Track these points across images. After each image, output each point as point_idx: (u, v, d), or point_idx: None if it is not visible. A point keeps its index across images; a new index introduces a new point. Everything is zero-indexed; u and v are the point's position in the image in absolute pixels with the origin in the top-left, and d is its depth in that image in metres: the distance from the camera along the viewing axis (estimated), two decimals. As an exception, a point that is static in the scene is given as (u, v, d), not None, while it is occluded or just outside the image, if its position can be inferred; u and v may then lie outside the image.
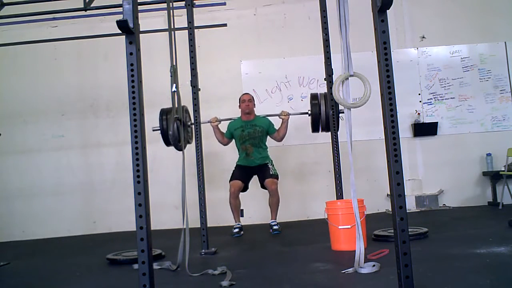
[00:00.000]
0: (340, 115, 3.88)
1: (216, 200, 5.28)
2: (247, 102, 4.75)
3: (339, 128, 3.99)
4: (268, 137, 4.86)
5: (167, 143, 3.52)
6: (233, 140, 4.87)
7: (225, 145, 4.86)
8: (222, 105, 5.57)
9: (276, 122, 4.81)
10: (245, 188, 4.80)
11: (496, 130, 5.83)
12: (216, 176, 5.26)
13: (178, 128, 3.24)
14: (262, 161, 4.78)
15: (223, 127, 4.81)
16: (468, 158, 5.83)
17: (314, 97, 3.96)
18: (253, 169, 4.80)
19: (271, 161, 4.84)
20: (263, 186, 4.80)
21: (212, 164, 5.33)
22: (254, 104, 4.86)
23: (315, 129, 4.00)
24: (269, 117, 4.81)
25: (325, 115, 3.87)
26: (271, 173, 4.73)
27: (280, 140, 4.83)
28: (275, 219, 4.79)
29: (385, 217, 5.18)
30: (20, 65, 6.07)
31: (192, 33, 3.97)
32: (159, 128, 3.57)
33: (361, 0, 3.15)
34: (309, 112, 3.99)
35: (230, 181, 4.76)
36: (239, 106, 4.83)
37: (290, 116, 4.63)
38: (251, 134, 4.75)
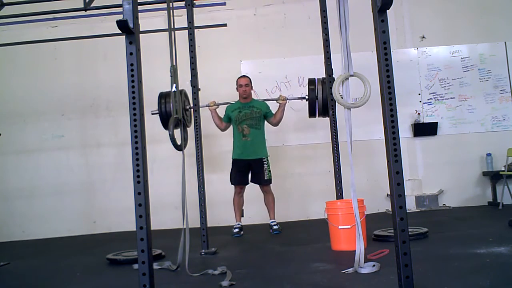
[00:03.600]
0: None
1: (216, 200, 5.29)
2: (244, 87, 4.71)
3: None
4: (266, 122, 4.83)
5: (166, 126, 3.50)
6: (231, 126, 4.82)
7: (223, 130, 4.82)
8: (222, 105, 5.55)
9: (273, 109, 4.77)
10: (246, 183, 4.83)
11: (496, 130, 5.83)
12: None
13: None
14: (258, 153, 4.72)
15: (221, 112, 4.76)
16: (468, 158, 5.83)
17: (311, 82, 3.93)
18: (249, 164, 4.75)
19: (267, 157, 4.78)
20: (254, 182, 4.82)
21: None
22: (252, 87, 4.82)
23: (312, 113, 3.98)
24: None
25: (322, 99, 3.86)
26: (265, 178, 4.73)
27: (276, 124, 4.79)
28: (274, 218, 4.81)
29: (385, 217, 5.18)
30: (20, 65, 6.07)
31: (192, 33, 3.97)
32: (157, 112, 3.59)
33: (361, 0, 3.15)
34: (307, 97, 3.96)
35: (231, 182, 4.78)
36: (237, 89, 4.79)
37: (288, 101, 4.58)
38: (248, 115, 4.71)
